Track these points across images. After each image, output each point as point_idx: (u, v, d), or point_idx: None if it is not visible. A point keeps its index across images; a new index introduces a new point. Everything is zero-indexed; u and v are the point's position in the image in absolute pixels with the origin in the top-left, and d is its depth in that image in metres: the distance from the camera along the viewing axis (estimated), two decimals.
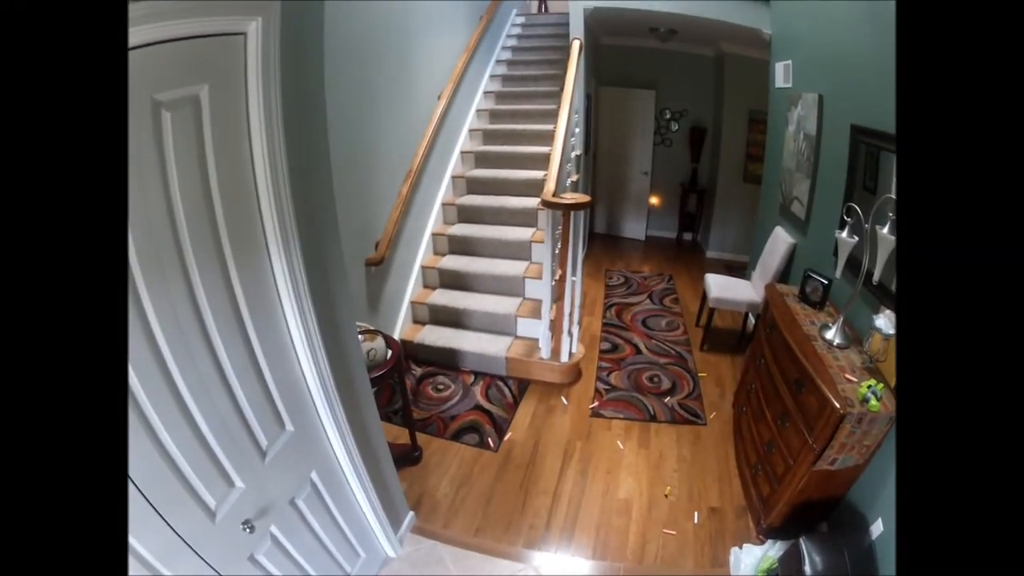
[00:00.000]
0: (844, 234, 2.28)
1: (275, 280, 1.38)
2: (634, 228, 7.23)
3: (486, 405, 3.34)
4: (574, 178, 4.38)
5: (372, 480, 1.99)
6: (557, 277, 3.35)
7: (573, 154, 4.36)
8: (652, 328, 4.45)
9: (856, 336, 2.38)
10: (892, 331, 1.99)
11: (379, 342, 2.47)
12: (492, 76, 5.56)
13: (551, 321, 3.41)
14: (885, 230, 1.93)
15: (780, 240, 3.53)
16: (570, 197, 3.06)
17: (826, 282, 2.64)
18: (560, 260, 3.28)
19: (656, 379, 3.65)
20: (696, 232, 7.11)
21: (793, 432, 2.20)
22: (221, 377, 1.27)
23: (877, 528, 1.95)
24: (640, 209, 7.12)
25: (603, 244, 7.01)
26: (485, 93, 5.34)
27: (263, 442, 1.44)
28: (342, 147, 2.93)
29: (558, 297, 3.35)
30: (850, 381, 2.03)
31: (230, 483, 1.34)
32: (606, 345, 4.14)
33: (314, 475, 1.71)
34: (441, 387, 3.54)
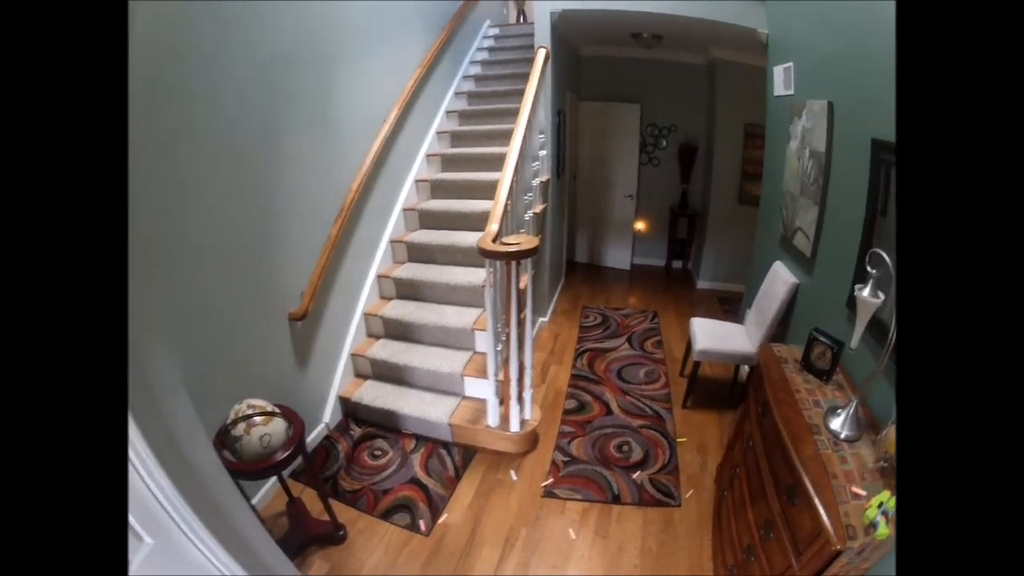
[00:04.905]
0: (866, 292, 1.92)
1: None
2: (618, 257, 7.02)
3: (423, 478, 3.08)
4: (537, 209, 4.10)
5: None
6: (504, 338, 3.06)
7: (536, 181, 4.09)
8: (628, 380, 4.18)
9: (870, 418, 2.07)
10: None
11: (275, 425, 2.26)
12: (457, 94, 5.36)
13: (499, 384, 3.11)
14: None
15: (780, 280, 3.23)
16: (514, 241, 2.77)
17: (836, 347, 2.31)
18: (505, 317, 2.97)
19: (626, 448, 3.37)
20: (687, 260, 6.88)
21: (777, 548, 1.93)
22: None
23: None
24: (625, 236, 6.92)
25: (584, 275, 6.78)
26: (447, 113, 5.11)
27: None
28: (249, 190, 2.67)
29: (506, 359, 3.05)
30: (857, 496, 1.74)
31: None
32: (572, 403, 3.87)
33: None
34: (378, 453, 3.29)
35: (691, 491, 3.03)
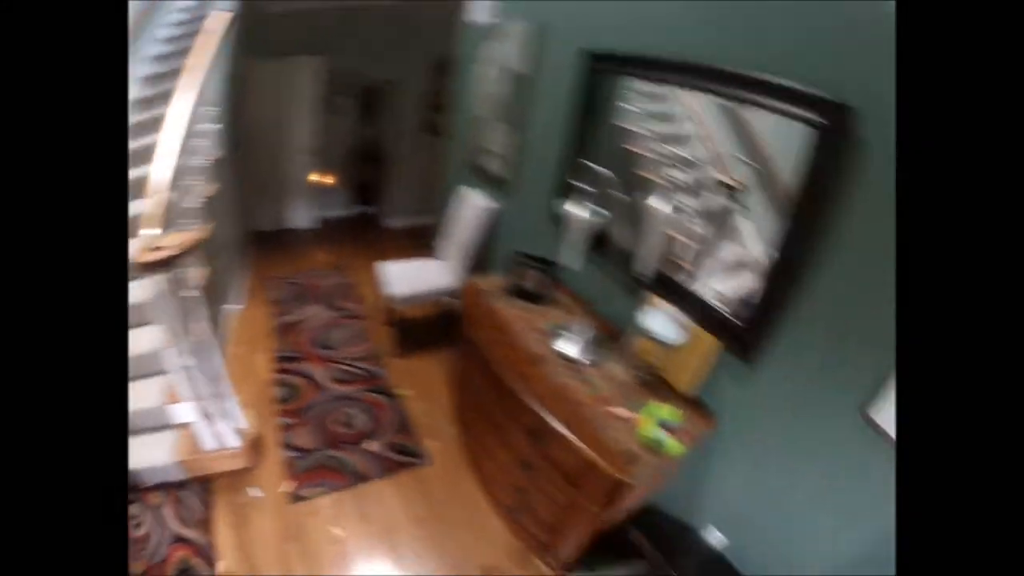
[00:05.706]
0: (574, 206, 1.81)
1: None
2: (305, 216, 6.72)
3: (183, 532, 2.72)
4: (209, 191, 3.66)
5: None
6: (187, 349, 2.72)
7: (204, 161, 3.61)
8: (333, 347, 4.08)
9: (610, 331, 1.99)
10: (672, 335, 1.63)
11: None
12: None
13: (199, 403, 2.84)
14: (654, 201, 1.61)
15: (471, 205, 3.21)
16: (168, 243, 2.39)
17: (547, 267, 2.27)
18: (182, 328, 2.61)
19: (349, 420, 3.32)
20: (378, 203, 6.89)
21: (549, 483, 1.84)
22: None
23: (716, 538, 1.80)
24: (309, 193, 6.61)
25: (272, 245, 6.24)
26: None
27: None
28: None
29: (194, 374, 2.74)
30: (621, 419, 1.64)
31: None
32: (282, 391, 3.57)
33: None
34: (135, 523, 2.76)
35: (436, 443, 3.09)
